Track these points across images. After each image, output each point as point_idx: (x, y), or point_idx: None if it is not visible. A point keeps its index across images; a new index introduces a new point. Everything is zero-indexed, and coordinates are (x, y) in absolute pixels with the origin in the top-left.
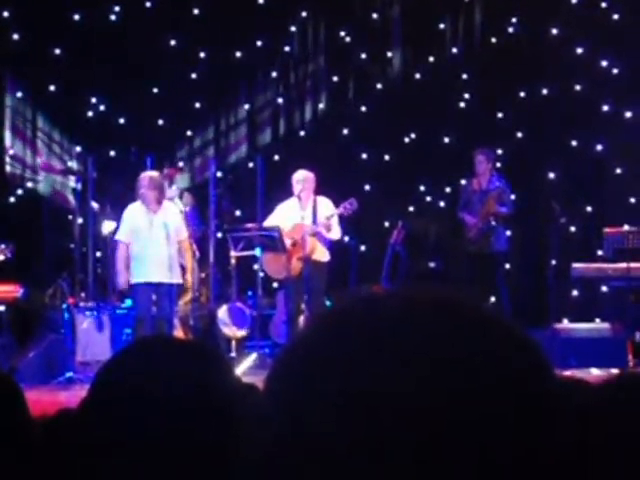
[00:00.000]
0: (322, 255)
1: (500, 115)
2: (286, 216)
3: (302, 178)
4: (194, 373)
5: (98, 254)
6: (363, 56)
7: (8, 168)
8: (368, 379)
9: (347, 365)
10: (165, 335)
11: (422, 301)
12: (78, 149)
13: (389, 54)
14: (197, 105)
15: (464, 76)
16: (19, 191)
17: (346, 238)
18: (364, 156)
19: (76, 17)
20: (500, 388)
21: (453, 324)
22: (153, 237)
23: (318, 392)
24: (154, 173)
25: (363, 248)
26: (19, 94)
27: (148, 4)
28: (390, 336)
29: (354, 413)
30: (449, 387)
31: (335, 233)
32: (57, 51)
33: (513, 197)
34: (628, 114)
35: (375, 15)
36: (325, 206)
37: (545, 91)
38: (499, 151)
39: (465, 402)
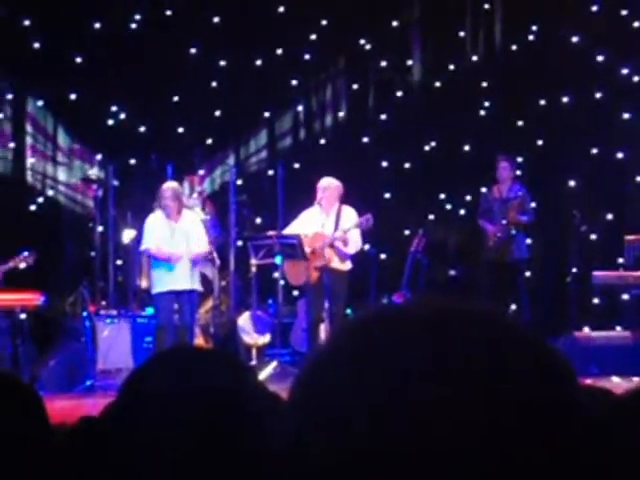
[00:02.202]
0: (341, 264)
1: (520, 123)
2: (308, 223)
3: (324, 186)
4: (220, 382)
5: (119, 262)
6: (383, 64)
7: (29, 176)
8: (392, 390)
9: (371, 377)
10: (190, 345)
11: (444, 312)
12: (99, 157)
13: (409, 62)
14: (217, 113)
15: (484, 84)
16: (40, 199)
17: (366, 246)
18: (384, 164)
19: (97, 25)
20: (524, 400)
21: (478, 336)
22: (174, 246)
23: (342, 403)
24: (175, 184)
25: (383, 256)
26: (40, 102)
27: (169, 12)
28: (413, 347)
29: (377, 424)
30: (473, 398)
31: (352, 247)
32: (78, 59)
33: (534, 205)
34: None
35: (395, 23)
36: (348, 216)
37: (565, 99)
38: (519, 159)
39: (489, 412)
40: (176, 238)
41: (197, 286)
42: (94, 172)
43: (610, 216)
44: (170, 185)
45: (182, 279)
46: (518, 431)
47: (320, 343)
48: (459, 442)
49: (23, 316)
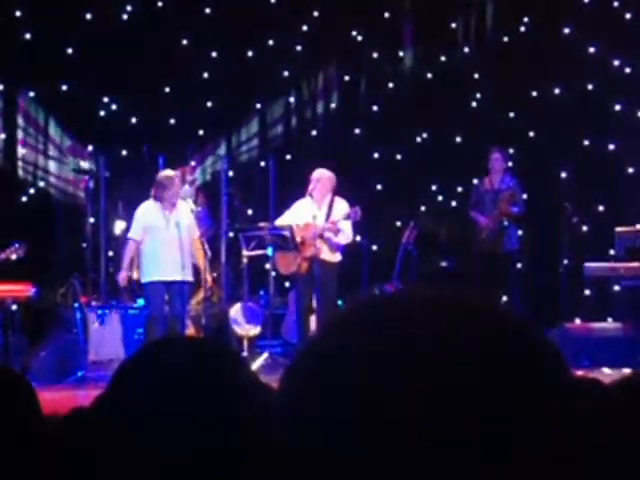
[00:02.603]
0: (331, 256)
1: (512, 114)
2: (300, 214)
3: (316, 177)
4: (212, 372)
5: (110, 253)
6: (375, 55)
7: (20, 168)
8: (382, 381)
9: (362, 367)
10: (182, 335)
11: (436, 303)
12: (90, 148)
13: (401, 53)
14: (209, 104)
15: (476, 75)
16: (31, 190)
17: (358, 238)
18: (376, 155)
19: (88, 16)
20: (517, 389)
21: (470, 326)
22: (168, 236)
23: (332, 393)
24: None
25: (375, 247)
26: (31, 94)
27: (160, 4)
28: (404, 338)
29: (367, 414)
30: (465, 389)
31: (343, 237)
32: (69, 50)
33: (525, 197)
34: None
35: (387, 14)
36: (340, 208)
37: (557, 90)
38: (511, 151)
39: (480, 403)
40: (170, 227)
41: (189, 277)
42: (85, 164)
43: (601, 208)
44: (174, 173)
45: (173, 270)
46: (512, 420)
47: (310, 334)
48: (452, 434)
49: (14, 307)
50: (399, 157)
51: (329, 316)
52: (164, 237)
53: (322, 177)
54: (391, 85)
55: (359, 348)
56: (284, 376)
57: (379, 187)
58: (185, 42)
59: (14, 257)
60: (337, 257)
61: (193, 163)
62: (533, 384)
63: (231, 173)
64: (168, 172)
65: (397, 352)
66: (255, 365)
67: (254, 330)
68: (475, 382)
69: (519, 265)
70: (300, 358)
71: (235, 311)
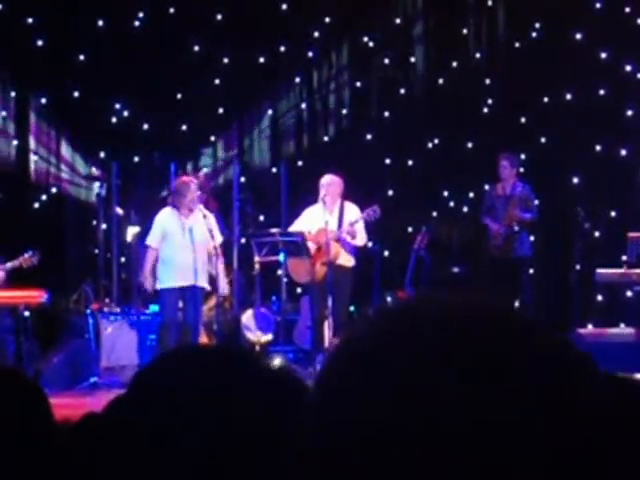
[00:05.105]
0: (347, 260)
1: (523, 120)
2: (312, 220)
3: (325, 182)
4: (233, 381)
5: (122, 260)
6: (386, 61)
7: (32, 174)
8: (422, 384)
9: (401, 368)
10: (201, 344)
11: (472, 310)
12: (102, 155)
13: (412, 59)
14: (220, 111)
15: (487, 81)
16: (43, 197)
17: (370, 244)
18: (387, 161)
19: (100, 23)
20: (544, 394)
21: (505, 332)
22: (183, 241)
23: (369, 397)
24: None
25: (387, 253)
26: (43, 100)
27: (172, 10)
28: (430, 347)
29: (405, 418)
30: (500, 393)
31: (360, 239)
32: (81, 57)
33: (537, 202)
34: None
35: (398, 20)
36: (352, 212)
37: (569, 96)
38: (522, 156)
39: (518, 410)
40: (185, 234)
41: (202, 283)
42: (97, 170)
43: (613, 213)
44: (190, 179)
45: (187, 276)
46: (541, 428)
47: (335, 341)
48: (481, 443)
49: (27, 313)
50: (410, 163)
51: (368, 315)
52: (179, 243)
53: (332, 182)
54: (402, 91)
55: (397, 351)
56: (318, 379)
57: (390, 193)
58: (197, 48)
59: (27, 265)
60: (352, 262)
61: (205, 169)
62: (561, 387)
63: (243, 179)
64: (184, 179)
65: (422, 361)
66: None
67: (265, 337)
68: (511, 391)
69: (531, 271)
70: (335, 360)
71: (247, 317)
